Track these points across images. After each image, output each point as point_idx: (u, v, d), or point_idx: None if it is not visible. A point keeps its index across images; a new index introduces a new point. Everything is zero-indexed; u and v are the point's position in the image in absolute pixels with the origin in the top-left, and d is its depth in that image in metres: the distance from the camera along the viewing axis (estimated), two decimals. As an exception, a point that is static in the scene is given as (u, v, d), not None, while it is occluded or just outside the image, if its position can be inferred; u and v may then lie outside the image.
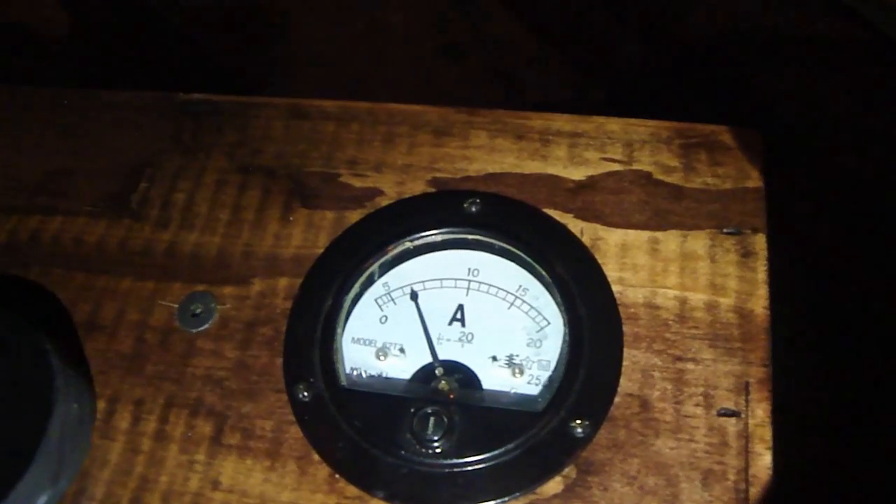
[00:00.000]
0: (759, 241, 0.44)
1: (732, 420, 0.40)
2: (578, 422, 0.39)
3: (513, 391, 0.41)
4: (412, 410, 0.40)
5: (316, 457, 0.40)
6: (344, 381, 0.42)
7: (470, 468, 0.39)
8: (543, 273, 0.43)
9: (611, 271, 0.43)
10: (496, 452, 0.39)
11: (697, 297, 0.43)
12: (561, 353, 0.42)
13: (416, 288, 0.44)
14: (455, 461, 0.39)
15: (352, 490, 0.39)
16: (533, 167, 0.47)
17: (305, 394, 0.41)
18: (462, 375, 0.42)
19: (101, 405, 0.43)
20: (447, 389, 0.41)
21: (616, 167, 0.47)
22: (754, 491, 0.38)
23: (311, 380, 0.41)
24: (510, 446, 0.39)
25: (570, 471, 0.39)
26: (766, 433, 0.39)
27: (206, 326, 0.44)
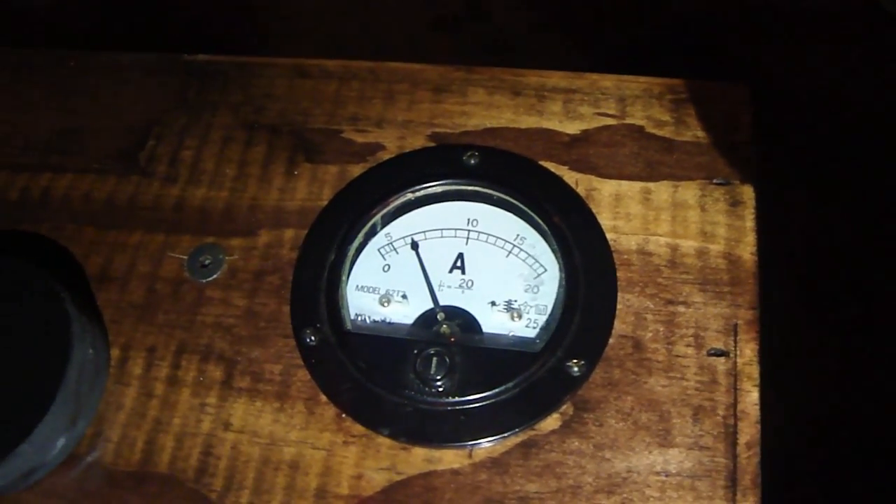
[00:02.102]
0: (748, 191, 0.46)
1: (722, 359, 0.41)
2: (574, 361, 0.41)
3: (511, 334, 0.43)
4: (415, 352, 0.41)
5: (323, 398, 0.42)
6: (349, 326, 0.43)
7: (471, 406, 0.41)
8: (540, 222, 0.45)
9: (605, 220, 0.45)
10: (496, 391, 0.41)
11: (688, 244, 0.44)
12: (557, 298, 0.43)
13: (417, 238, 0.46)
14: (457, 399, 0.41)
15: (358, 428, 0.41)
16: (529, 122, 0.49)
17: (312, 338, 0.43)
18: (462, 320, 0.44)
19: (115, 353, 0.44)
20: (448, 333, 0.43)
21: (609, 121, 0.48)
22: (742, 425, 0.40)
23: (318, 325, 0.43)
24: (509, 385, 0.41)
25: (567, 408, 0.41)
26: (754, 371, 0.41)
27: (214, 276, 0.46)
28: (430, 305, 0.44)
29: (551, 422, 0.41)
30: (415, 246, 0.45)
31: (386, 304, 0.45)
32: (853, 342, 0.89)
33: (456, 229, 0.46)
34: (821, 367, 0.89)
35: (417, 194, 0.47)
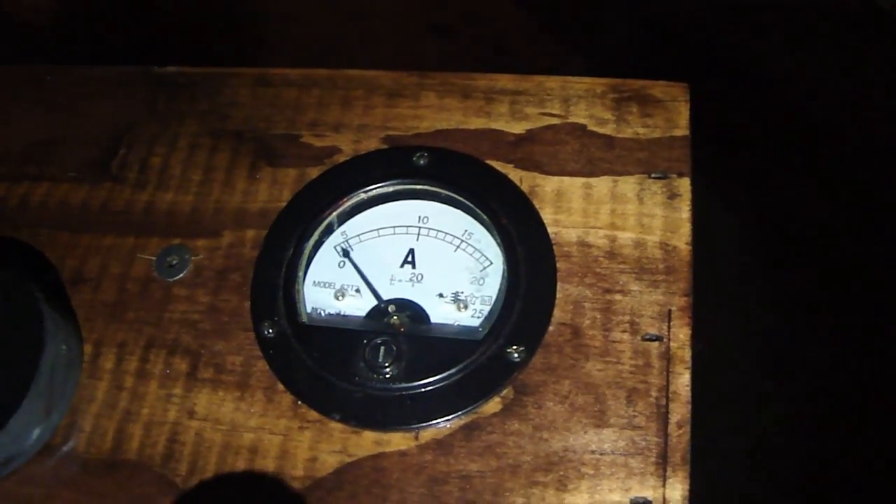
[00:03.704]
0: (684, 184, 0.48)
1: (655, 344, 0.44)
2: (515, 348, 0.43)
3: (457, 323, 0.46)
4: (365, 342, 0.44)
5: (280, 386, 0.45)
6: (305, 319, 0.46)
7: (417, 391, 0.43)
8: (486, 218, 0.47)
9: (547, 215, 0.48)
10: (441, 376, 0.43)
11: (626, 236, 0.47)
12: (500, 289, 0.46)
13: (369, 236, 0.49)
14: (404, 385, 0.43)
15: (312, 414, 0.44)
16: (478, 123, 0.51)
17: (270, 331, 0.45)
18: (412, 312, 0.46)
19: (88, 349, 0.47)
20: (398, 324, 0.46)
21: (553, 121, 0.51)
22: (674, 405, 0.42)
23: (276, 318, 0.46)
24: (453, 371, 0.43)
25: (507, 392, 0.43)
26: (686, 355, 0.43)
27: (181, 275, 0.48)
28: (383, 298, 0.47)
29: (493, 405, 0.43)
30: (346, 254, 0.48)
31: (341, 298, 0.47)
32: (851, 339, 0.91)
33: (407, 226, 0.49)
34: (816, 364, 0.91)
35: (371, 194, 0.49)
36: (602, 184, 0.48)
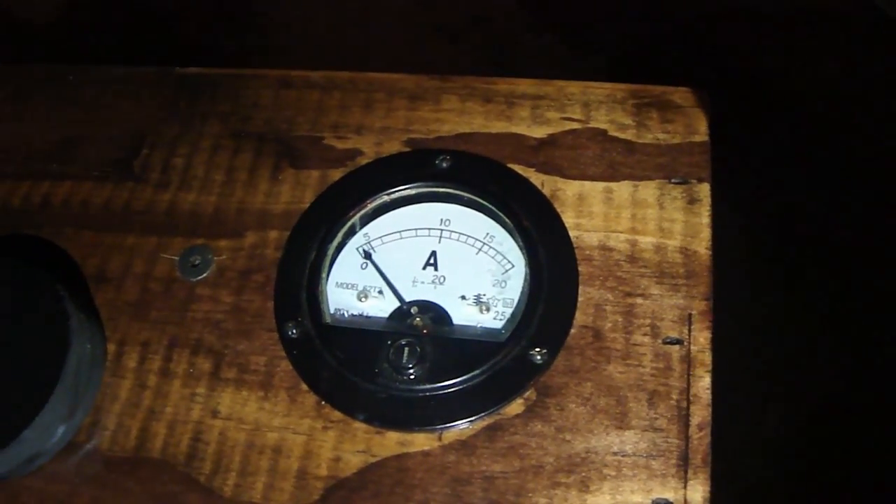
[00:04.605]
0: (704, 189, 0.48)
1: (676, 347, 0.44)
2: (538, 350, 0.44)
3: (479, 325, 0.46)
4: (389, 342, 0.44)
5: (304, 386, 0.45)
6: (328, 320, 0.46)
7: (441, 392, 0.43)
8: (508, 221, 0.48)
9: (568, 218, 0.48)
10: (464, 378, 0.43)
11: (647, 240, 0.47)
12: (523, 292, 0.46)
13: (391, 238, 0.49)
14: (427, 386, 0.43)
15: (336, 415, 0.44)
16: (499, 127, 0.52)
17: (294, 331, 0.46)
18: (434, 313, 0.46)
19: (112, 348, 0.48)
20: (421, 325, 0.46)
21: (574, 125, 0.51)
22: (694, 408, 0.43)
23: (299, 319, 0.46)
24: (476, 372, 0.43)
25: (530, 394, 0.44)
26: (707, 358, 0.44)
27: (204, 276, 0.49)
28: (405, 300, 0.47)
29: (516, 406, 0.43)
30: (367, 255, 0.48)
31: (363, 299, 0.48)
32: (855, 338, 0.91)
33: (429, 229, 0.49)
34: (818, 363, 0.91)
35: (393, 196, 0.50)
36: (623, 188, 0.49)
